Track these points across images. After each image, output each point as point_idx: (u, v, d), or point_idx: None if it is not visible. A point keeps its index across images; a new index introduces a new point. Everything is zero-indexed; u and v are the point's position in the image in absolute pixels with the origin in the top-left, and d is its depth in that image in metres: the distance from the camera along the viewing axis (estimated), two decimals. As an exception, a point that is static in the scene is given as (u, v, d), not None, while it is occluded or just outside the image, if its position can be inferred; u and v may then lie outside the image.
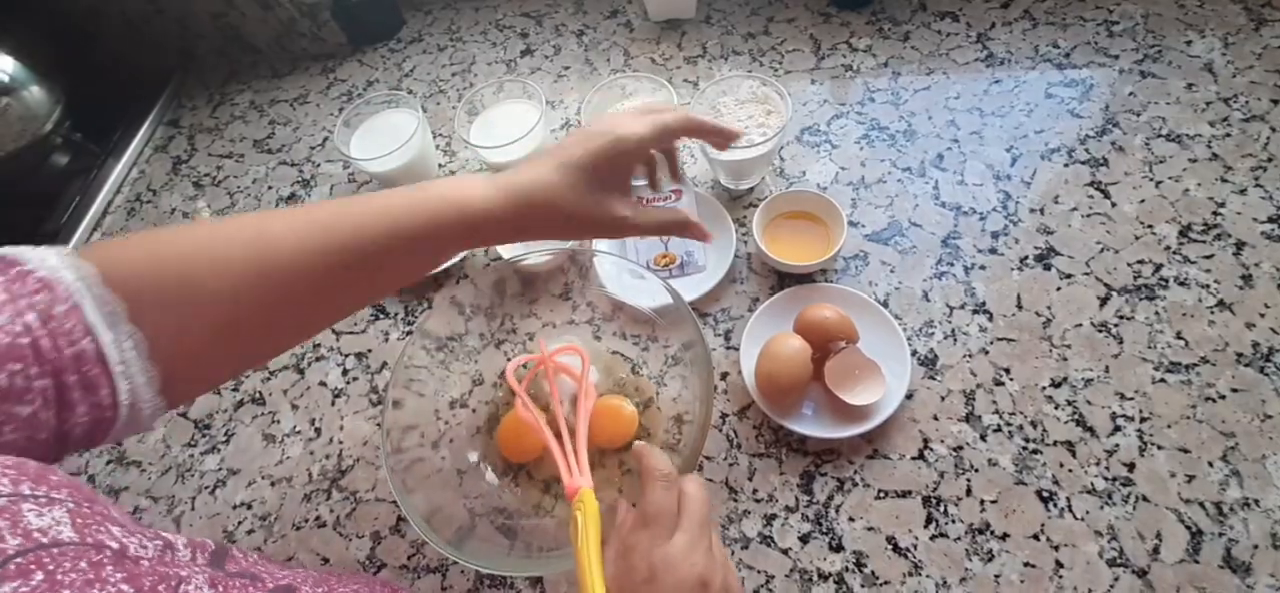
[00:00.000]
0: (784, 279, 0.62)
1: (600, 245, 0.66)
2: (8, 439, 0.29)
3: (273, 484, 0.59)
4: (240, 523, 0.57)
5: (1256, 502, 0.47)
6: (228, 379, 0.39)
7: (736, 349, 0.57)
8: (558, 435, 0.44)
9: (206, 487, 0.60)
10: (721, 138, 0.46)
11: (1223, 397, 0.51)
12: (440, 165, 0.78)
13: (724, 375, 0.58)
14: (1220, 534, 0.46)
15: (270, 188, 0.81)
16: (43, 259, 0.32)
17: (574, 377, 0.50)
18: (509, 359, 0.60)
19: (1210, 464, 0.48)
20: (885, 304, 0.59)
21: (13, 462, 0.25)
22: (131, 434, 0.35)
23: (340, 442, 0.60)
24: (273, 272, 0.37)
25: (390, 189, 0.41)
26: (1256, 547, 0.45)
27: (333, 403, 0.63)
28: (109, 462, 0.63)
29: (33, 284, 0.31)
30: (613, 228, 0.45)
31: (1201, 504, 0.47)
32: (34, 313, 0.30)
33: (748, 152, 0.62)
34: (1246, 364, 0.52)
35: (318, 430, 0.61)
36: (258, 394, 0.64)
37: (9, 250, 0.33)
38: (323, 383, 0.64)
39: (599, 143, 0.42)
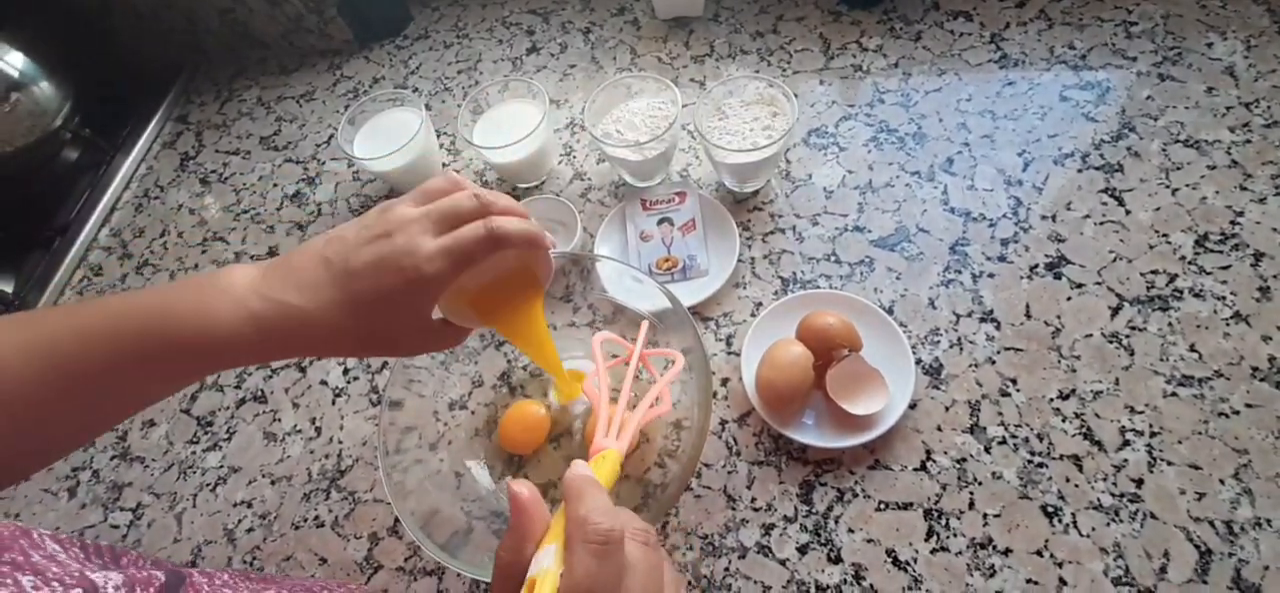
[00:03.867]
0: (787, 285, 0.61)
1: (603, 248, 0.66)
2: None
3: (273, 483, 0.59)
4: (240, 521, 0.57)
5: (1268, 522, 0.45)
6: None
7: (738, 355, 0.57)
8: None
9: (208, 484, 0.60)
10: (539, 249, 0.39)
11: (1236, 412, 0.49)
12: (444, 164, 0.78)
13: (725, 382, 0.57)
14: (1230, 555, 0.45)
15: (275, 185, 0.81)
16: None
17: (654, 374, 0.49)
18: (509, 361, 0.60)
19: (1221, 482, 0.47)
20: (890, 312, 0.58)
21: None
22: None
23: (340, 442, 0.60)
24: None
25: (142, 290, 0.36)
26: (1267, 569, 0.44)
27: (333, 402, 0.63)
28: (113, 458, 0.63)
29: None
30: (421, 344, 0.40)
31: (1211, 523, 0.46)
32: None
33: (753, 154, 0.61)
34: (1262, 379, 0.50)
35: (318, 430, 0.61)
36: (259, 393, 0.65)
37: None
38: (324, 382, 0.64)
39: (391, 283, 0.35)
